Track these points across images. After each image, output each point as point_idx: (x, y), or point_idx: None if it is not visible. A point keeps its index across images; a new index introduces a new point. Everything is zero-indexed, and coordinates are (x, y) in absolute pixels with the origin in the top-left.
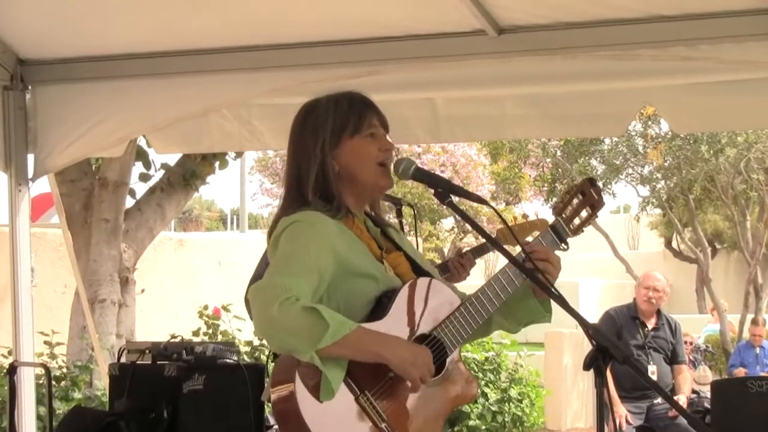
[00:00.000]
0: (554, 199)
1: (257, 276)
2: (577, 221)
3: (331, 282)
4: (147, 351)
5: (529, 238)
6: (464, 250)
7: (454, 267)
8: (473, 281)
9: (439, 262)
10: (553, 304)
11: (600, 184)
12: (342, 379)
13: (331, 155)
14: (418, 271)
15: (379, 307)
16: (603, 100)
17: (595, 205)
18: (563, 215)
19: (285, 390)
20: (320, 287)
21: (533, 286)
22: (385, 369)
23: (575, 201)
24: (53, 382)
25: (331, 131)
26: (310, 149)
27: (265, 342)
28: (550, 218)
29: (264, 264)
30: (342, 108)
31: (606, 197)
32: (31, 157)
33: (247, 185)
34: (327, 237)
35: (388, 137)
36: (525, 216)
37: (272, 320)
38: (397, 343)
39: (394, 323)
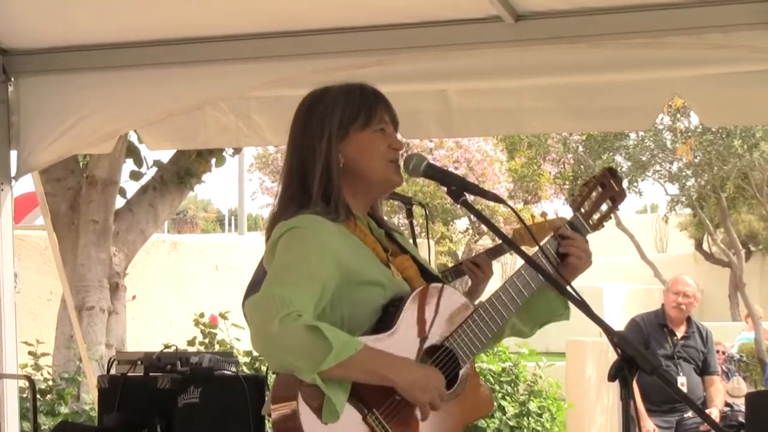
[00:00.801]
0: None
1: (254, 283)
2: (596, 216)
3: (334, 292)
4: (139, 362)
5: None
6: (478, 252)
7: (469, 269)
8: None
9: (452, 265)
10: (575, 310)
11: (625, 182)
12: (346, 400)
13: (337, 149)
14: (427, 275)
15: (386, 317)
16: (628, 91)
17: (616, 197)
18: (582, 210)
19: (287, 408)
20: (323, 298)
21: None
22: (392, 389)
23: (594, 194)
24: (38, 396)
25: (339, 122)
26: (315, 142)
27: None
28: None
29: (262, 269)
30: (353, 98)
31: (632, 196)
32: (13, 154)
33: (246, 184)
34: (329, 243)
35: (398, 135)
36: (544, 215)
37: (272, 338)
38: (406, 364)
39: (402, 334)
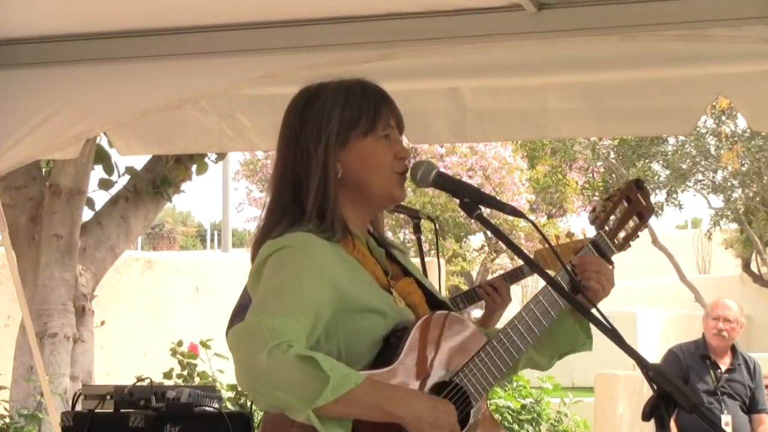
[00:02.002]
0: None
1: (241, 307)
2: (622, 234)
3: (329, 321)
4: (108, 396)
5: None
6: (495, 275)
7: (485, 293)
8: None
9: (465, 288)
10: (605, 339)
11: (663, 193)
12: None
13: (336, 157)
14: (433, 301)
15: (388, 349)
16: (667, 90)
17: (644, 213)
18: (606, 227)
19: None
20: (316, 328)
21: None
22: (398, 426)
23: (619, 209)
24: None
25: (338, 127)
26: (310, 148)
27: None
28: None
29: (248, 292)
30: (354, 98)
31: (670, 209)
32: None
33: (231, 194)
34: (323, 266)
35: (404, 139)
36: (570, 235)
37: (259, 373)
38: (413, 397)
39: (406, 369)
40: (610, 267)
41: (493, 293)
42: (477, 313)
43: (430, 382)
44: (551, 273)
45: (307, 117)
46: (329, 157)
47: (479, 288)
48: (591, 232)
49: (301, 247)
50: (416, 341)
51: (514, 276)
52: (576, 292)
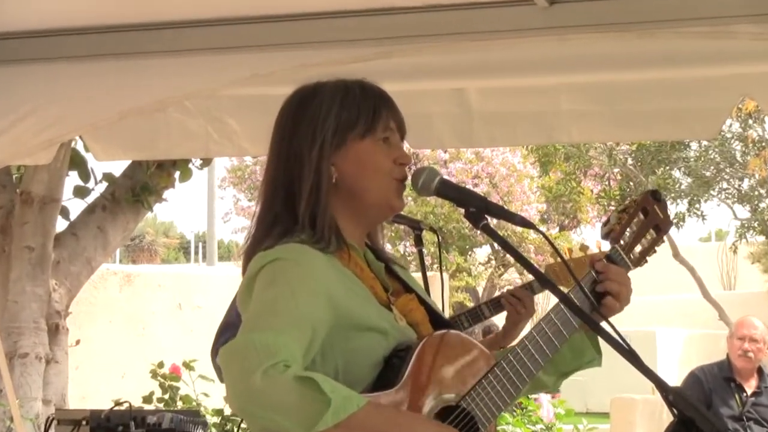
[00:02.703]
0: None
1: (227, 326)
2: (639, 249)
3: (326, 339)
4: (83, 422)
5: None
6: (517, 287)
7: (509, 303)
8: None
9: (470, 305)
10: (622, 361)
11: (685, 202)
12: None
13: (330, 161)
14: (437, 320)
15: (389, 371)
16: (689, 91)
17: (662, 226)
18: (621, 241)
19: None
20: (313, 346)
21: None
22: None
23: (635, 222)
24: None
25: (334, 128)
26: (304, 150)
27: None
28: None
29: (236, 309)
30: (352, 98)
31: (692, 221)
32: None
33: (217, 203)
34: (319, 279)
35: (405, 144)
36: (584, 248)
37: (254, 394)
38: (418, 423)
39: (409, 392)
40: (630, 279)
41: (516, 303)
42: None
43: (435, 407)
44: (564, 289)
45: (301, 117)
46: (323, 160)
47: (503, 299)
48: (606, 245)
49: (294, 259)
50: (420, 362)
51: (536, 287)
52: (591, 310)
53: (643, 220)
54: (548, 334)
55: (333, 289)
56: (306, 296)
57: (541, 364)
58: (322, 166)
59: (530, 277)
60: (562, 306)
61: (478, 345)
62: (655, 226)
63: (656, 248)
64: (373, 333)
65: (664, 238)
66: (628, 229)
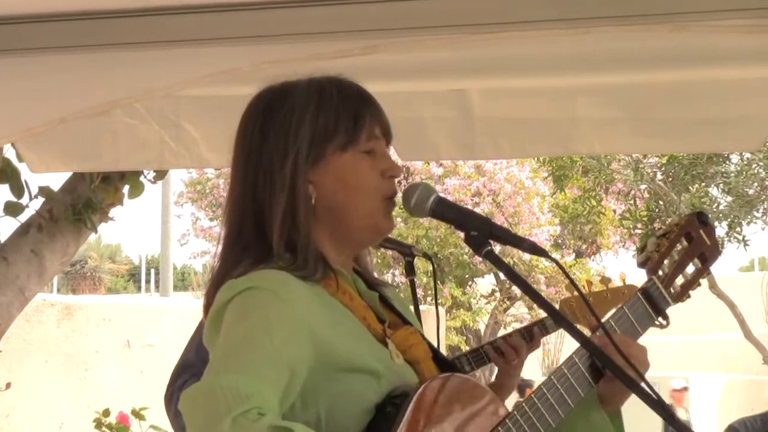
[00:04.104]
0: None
1: (184, 366)
2: (680, 281)
3: (307, 382)
4: None
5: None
6: (510, 331)
7: (501, 352)
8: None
9: (466, 348)
10: (648, 411)
11: (723, 225)
12: None
13: (307, 178)
14: (441, 357)
15: (382, 421)
16: (729, 96)
17: (708, 254)
18: (660, 272)
19: None
20: (291, 391)
21: (602, 390)
22: None
23: (677, 250)
24: None
25: (310, 138)
26: (274, 165)
27: None
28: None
29: (194, 347)
30: (329, 102)
31: (732, 247)
32: None
33: (173, 222)
34: (300, 312)
35: (391, 151)
36: (605, 280)
37: None
38: None
39: None
40: (641, 345)
41: (509, 351)
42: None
43: None
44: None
45: (270, 126)
46: (298, 177)
47: (489, 346)
48: (632, 276)
49: (270, 288)
50: (419, 412)
51: (532, 331)
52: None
53: (686, 247)
54: (570, 380)
55: (316, 324)
56: (284, 332)
57: (560, 414)
58: (298, 185)
59: (542, 313)
60: (584, 349)
61: (489, 392)
62: (700, 255)
63: (701, 281)
64: (364, 375)
65: (711, 269)
66: (667, 258)
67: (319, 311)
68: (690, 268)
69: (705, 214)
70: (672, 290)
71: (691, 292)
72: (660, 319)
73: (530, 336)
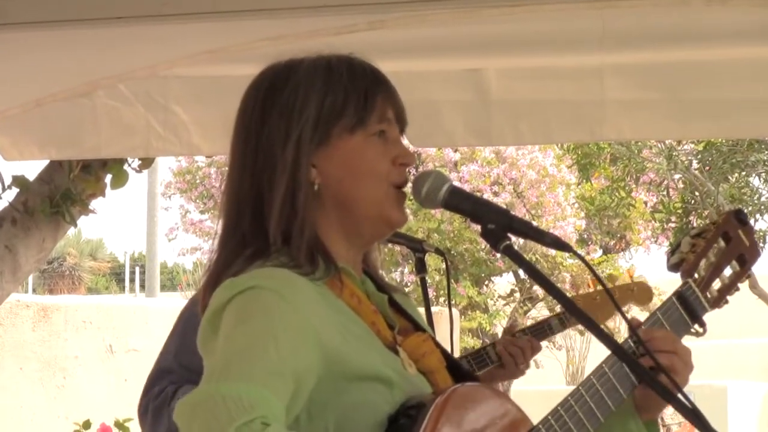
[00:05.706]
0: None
1: (161, 372)
2: (718, 285)
3: (314, 391)
4: None
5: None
6: (518, 329)
7: (506, 354)
8: (541, 384)
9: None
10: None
11: (766, 218)
12: None
13: (310, 161)
14: (456, 366)
15: None
16: None
17: (747, 255)
18: (696, 275)
19: None
20: (297, 401)
21: (639, 398)
22: None
23: (713, 250)
24: None
25: (315, 119)
26: (276, 149)
27: None
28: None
29: (172, 350)
30: (338, 81)
31: None
32: None
33: (160, 215)
34: (306, 315)
35: (404, 140)
36: (631, 272)
37: None
38: None
39: None
40: (686, 347)
41: (517, 354)
42: None
43: None
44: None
45: (272, 105)
46: (300, 160)
47: (495, 346)
48: (664, 274)
49: (274, 288)
50: (437, 424)
51: (540, 331)
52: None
53: (723, 248)
54: (600, 392)
55: (323, 328)
56: (289, 337)
57: (590, 429)
58: (300, 168)
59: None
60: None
61: (510, 403)
62: (739, 257)
63: (740, 284)
64: (375, 383)
65: (752, 271)
66: (704, 260)
67: (326, 314)
68: (727, 271)
69: (743, 212)
70: (708, 295)
71: (729, 298)
72: (695, 326)
73: (538, 334)
